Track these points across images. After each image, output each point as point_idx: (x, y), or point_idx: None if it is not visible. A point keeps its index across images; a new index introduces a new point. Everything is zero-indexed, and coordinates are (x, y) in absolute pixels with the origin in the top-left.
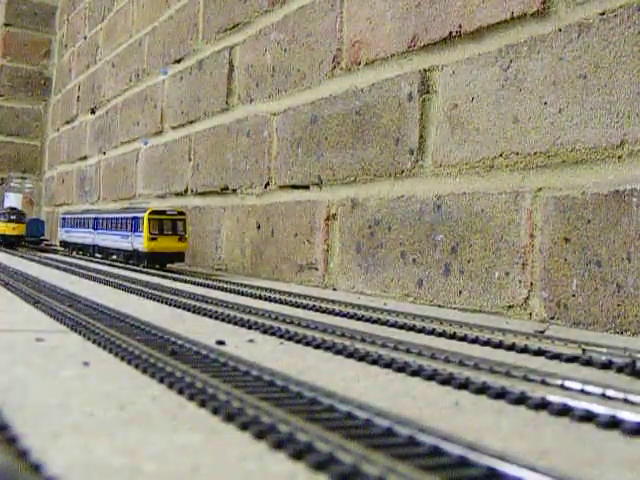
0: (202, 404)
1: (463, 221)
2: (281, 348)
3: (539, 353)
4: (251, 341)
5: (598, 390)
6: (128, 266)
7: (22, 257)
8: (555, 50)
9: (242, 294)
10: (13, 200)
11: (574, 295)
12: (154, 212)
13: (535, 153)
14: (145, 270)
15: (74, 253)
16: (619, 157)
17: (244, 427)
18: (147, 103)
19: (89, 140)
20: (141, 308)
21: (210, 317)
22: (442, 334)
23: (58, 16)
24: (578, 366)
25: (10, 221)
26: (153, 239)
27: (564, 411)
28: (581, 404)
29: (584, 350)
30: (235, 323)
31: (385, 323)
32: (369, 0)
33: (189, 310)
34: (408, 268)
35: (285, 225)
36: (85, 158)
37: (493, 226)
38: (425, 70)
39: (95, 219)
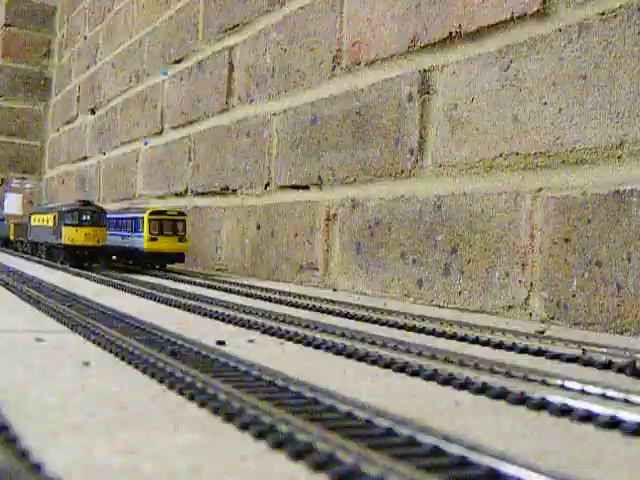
0: (202, 404)
1: (463, 221)
2: (281, 348)
3: (539, 353)
4: (251, 341)
5: (598, 390)
6: (128, 266)
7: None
8: (555, 50)
9: (242, 294)
10: (13, 201)
11: (574, 295)
12: (154, 212)
13: (535, 153)
14: (145, 270)
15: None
16: (619, 157)
17: (244, 427)
18: (147, 103)
19: (89, 140)
20: (141, 308)
21: (210, 317)
22: (442, 334)
23: (58, 16)
24: (578, 366)
25: (82, 224)
26: (153, 239)
27: (564, 411)
28: (581, 404)
29: (584, 350)
30: (235, 323)
31: (385, 323)
32: (369, 0)
33: (189, 310)
34: (408, 268)
35: (285, 225)
36: (85, 158)
37: (493, 226)
38: (425, 70)
39: None
